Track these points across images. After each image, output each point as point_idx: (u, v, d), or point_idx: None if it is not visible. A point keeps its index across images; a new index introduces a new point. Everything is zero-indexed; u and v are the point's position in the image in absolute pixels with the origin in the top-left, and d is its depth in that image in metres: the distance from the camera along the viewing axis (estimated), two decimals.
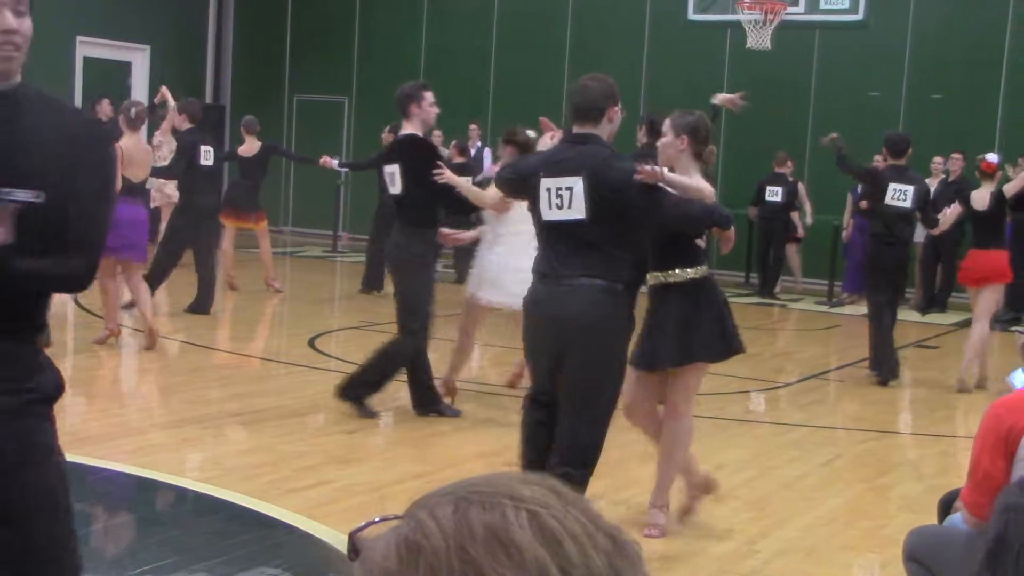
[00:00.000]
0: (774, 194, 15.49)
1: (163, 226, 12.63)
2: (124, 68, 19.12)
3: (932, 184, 12.91)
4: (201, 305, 11.61)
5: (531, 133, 7.85)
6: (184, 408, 7.86)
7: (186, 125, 11.68)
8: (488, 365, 10.17)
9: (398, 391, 8.17)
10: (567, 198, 5.17)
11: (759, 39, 15.04)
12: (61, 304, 11.07)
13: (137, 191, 9.75)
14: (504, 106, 18.00)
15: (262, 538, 5.49)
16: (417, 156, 7.66)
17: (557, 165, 5.26)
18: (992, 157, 10.40)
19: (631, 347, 5.54)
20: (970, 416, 8.86)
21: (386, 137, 13.07)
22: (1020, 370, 4.26)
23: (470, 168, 13.77)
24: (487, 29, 18.75)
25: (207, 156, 11.54)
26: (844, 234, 15.40)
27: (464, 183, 7.87)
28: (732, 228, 5.55)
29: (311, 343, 10.59)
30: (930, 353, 12.03)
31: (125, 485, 6.29)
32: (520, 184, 5.49)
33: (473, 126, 16.83)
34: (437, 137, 15.07)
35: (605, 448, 5.36)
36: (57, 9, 16.34)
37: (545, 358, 5.35)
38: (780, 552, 5.64)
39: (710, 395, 8.31)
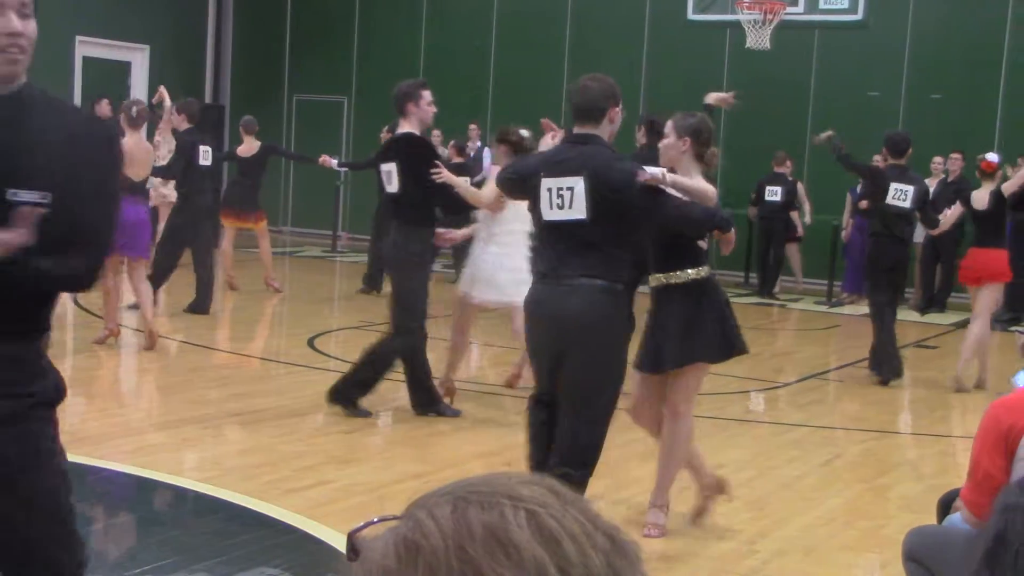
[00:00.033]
0: (773, 194, 15.50)
1: (161, 226, 12.63)
2: (123, 68, 19.12)
3: (931, 184, 12.92)
4: (200, 305, 11.61)
5: (524, 132, 7.85)
6: (183, 408, 7.86)
7: (185, 125, 11.68)
8: (487, 365, 10.17)
9: (397, 391, 8.16)
10: (568, 198, 5.17)
11: (758, 39, 15.04)
12: (60, 304, 11.04)
13: (138, 190, 9.76)
14: (503, 106, 18.01)
15: (261, 538, 5.48)
16: (414, 154, 7.66)
17: (558, 165, 5.27)
18: (992, 157, 10.40)
19: (635, 349, 5.55)
20: (969, 416, 8.87)
21: (384, 137, 13.06)
22: None
23: (468, 168, 13.76)
24: (486, 29, 18.75)
25: (205, 156, 11.54)
26: (843, 234, 15.41)
27: (461, 182, 7.87)
28: (732, 230, 5.56)
29: (310, 343, 10.59)
30: (929, 353, 12.03)
31: (125, 485, 6.29)
32: (520, 184, 5.49)
33: (473, 126, 16.83)
34: (436, 137, 15.07)
35: (605, 448, 5.37)
36: (57, 9, 16.31)
37: (546, 358, 5.35)
38: (779, 552, 5.64)
39: (710, 395, 8.31)
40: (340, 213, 19.06)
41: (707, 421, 7.77)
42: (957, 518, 4.01)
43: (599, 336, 5.19)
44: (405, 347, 7.72)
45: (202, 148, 11.53)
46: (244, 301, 13.06)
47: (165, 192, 13.33)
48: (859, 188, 14.53)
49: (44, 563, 3.01)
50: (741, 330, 5.69)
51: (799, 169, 16.19)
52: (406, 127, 7.77)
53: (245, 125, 13.24)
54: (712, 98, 7.21)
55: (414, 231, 7.66)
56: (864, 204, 13.79)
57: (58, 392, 3.03)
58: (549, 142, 7.44)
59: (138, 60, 19.21)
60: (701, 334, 5.49)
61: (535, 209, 5.33)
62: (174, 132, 12.04)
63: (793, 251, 15.99)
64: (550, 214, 5.24)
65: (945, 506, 4.31)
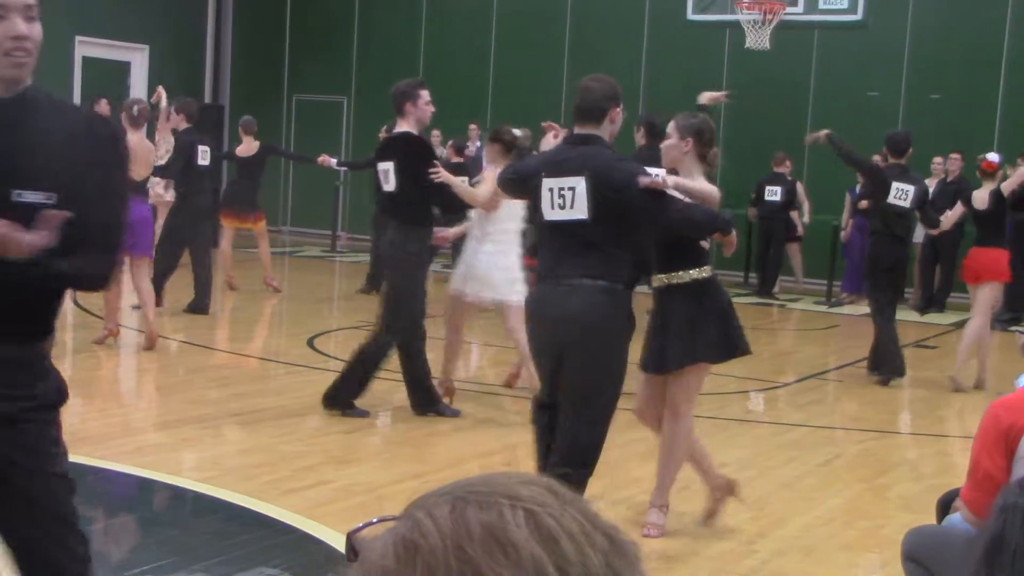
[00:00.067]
0: (773, 194, 15.50)
1: (159, 225, 12.62)
2: (123, 68, 19.12)
3: (931, 184, 12.92)
4: (199, 305, 11.61)
5: (517, 131, 7.85)
6: (183, 408, 7.86)
7: (183, 125, 11.68)
8: (486, 365, 10.17)
9: (396, 391, 8.16)
10: (569, 198, 5.17)
11: (758, 39, 15.04)
12: None
13: (139, 189, 9.77)
14: (503, 106, 18.01)
15: (261, 538, 5.48)
16: (412, 153, 7.65)
17: (559, 165, 5.27)
18: (993, 156, 10.42)
19: (637, 350, 5.55)
20: (968, 416, 8.87)
21: (383, 136, 13.06)
22: None
23: (467, 168, 13.74)
24: (486, 29, 18.75)
25: (204, 156, 11.54)
26: (843, 234, 15.41)
27: (458, 182, 7.87)
28: (734, 232, 5.57)
29: (310, 343, 10.59)
30: (929, 353, 12.03)
31: (124, 485, 6.29)
32: (522, 184, 5.50)
33: (472, 126, 16.82)
34: (436, 137, 15.07)
35: (605, 448, 5.37)
36: (56, 9, 16.31)
37: (548, 359, 5.35)
38: (779, 552, 5.64)
39: (710, 395, 8.30)
40: (339, 213, 19.05)
41: (707, 421, 7.77)
42: (956, 518, 4.01)
43: (599, 336, 5.19)
44: (391, 345, 7.71)
45: (201, 148, 11.53)
46: (243, 301, 13.06)
47: (160, 192, 13.32)
48: (859, 188, 14.53)
49: (45, 563, 3.01)
50: (744, 331, 5.70)
51: (799, 169, 16.19)
52: (404, 126, 7.76)
53: (244, 125, 13.24)
54: (705, 98, 7.22)
55: (412, 230, 7.66)
56: (864, 204, 13.79)
57: (59, 394, 3.05)
58: (551, 142, 7.45)
59: (138, 60, 19.21)
60: (703, 334, 5.50)
61: (536, 209, 5.34)
62: (173, 132, 12.04)
63: (793, 251, 15.99)
64: (551, 214, 5.24)
65: (944, 506, 4.31)
